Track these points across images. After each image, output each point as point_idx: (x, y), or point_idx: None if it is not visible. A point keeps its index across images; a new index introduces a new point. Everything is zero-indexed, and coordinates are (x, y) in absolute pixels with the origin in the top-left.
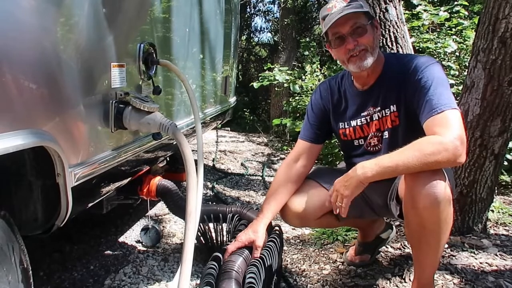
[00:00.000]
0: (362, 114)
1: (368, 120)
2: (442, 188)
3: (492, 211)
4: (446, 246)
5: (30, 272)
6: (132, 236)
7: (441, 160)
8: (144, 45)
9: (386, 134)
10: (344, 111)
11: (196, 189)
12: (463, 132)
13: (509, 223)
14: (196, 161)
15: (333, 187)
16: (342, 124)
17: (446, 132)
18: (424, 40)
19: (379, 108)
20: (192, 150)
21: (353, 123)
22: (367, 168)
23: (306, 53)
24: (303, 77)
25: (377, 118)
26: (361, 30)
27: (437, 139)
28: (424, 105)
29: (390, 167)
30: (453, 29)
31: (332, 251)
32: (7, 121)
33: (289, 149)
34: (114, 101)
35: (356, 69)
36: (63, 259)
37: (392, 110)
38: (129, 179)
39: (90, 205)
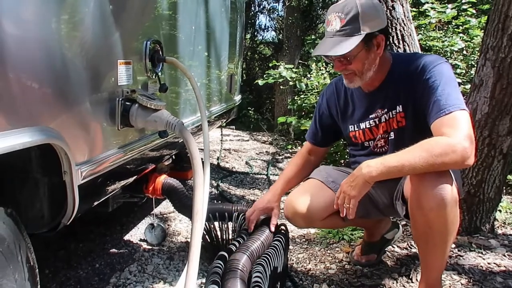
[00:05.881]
0: (370, 116)
1: (377, 122)
2: (449, 189)
3: (500, 211)
4: (454, 246)
5: (37, 270)
6: (137, 234)
7: (448, 162)
8: (150, 42)
9: (392, 135)
10: (352, 114)
11: (203, 188)
12: (471, 134)
13: None
14: (202, 159)
15: (340, 189)
16: (352, 127)
17: (454, 133)
18: (431, 38)
19: (386, 109)
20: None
21: (362, 125)
22: (372, 167)
23: (312, 50)
24: (308, 75)
25: (384, 120)
26: (349, 58)
27: (445, 140)
28: (432, 105)
29: (396, 167)
30: (460, 27)
31: (338, 251)
32: (14, 118)
33: (294, 147)
34: (120, 99)
35: (347, 85)
36: (68, 257)
37: (398, 111)
38: (135, 177)
39: (96, 203)
